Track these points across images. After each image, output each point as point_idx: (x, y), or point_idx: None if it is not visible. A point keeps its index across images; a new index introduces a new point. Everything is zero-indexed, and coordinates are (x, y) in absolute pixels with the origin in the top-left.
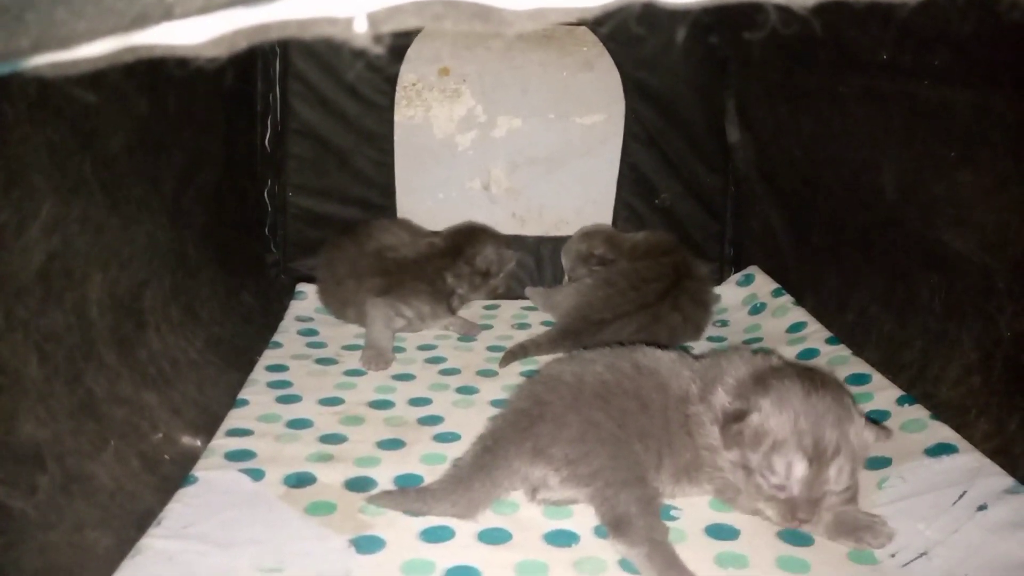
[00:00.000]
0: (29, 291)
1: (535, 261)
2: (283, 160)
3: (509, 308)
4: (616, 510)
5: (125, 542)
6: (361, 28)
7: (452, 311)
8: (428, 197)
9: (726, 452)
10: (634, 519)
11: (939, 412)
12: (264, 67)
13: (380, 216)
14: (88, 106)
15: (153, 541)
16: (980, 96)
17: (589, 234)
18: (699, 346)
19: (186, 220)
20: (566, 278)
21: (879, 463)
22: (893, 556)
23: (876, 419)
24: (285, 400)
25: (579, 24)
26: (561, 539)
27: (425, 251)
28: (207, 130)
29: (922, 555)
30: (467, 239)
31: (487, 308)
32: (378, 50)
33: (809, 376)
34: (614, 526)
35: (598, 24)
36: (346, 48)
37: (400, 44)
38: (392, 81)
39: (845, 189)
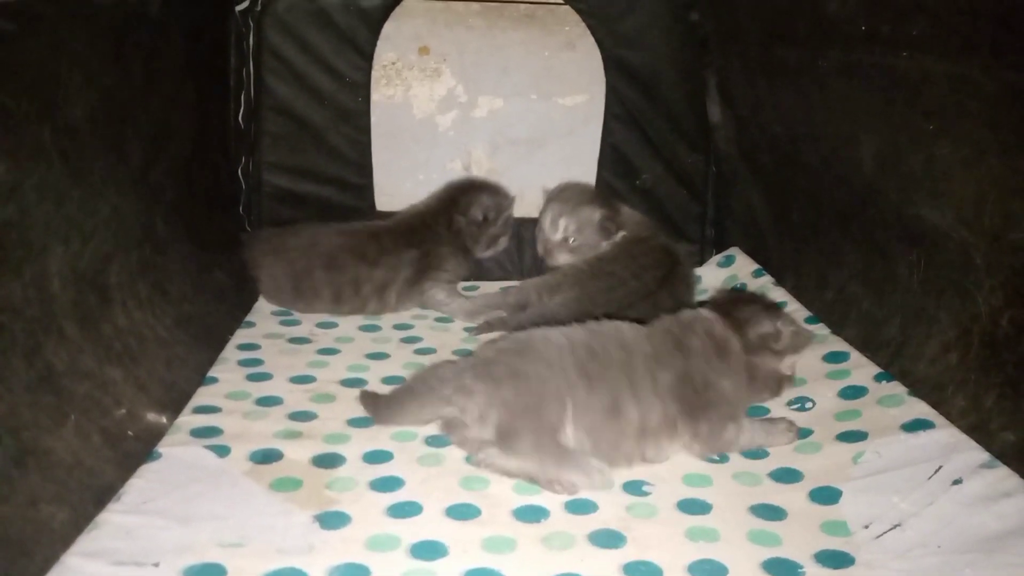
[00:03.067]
0: None
1: (516, 244)
2: (257, 137)
3: (489, 289)
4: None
5: (82, 517)
6: None
7: (470, 265)
8: (407, 178)
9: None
10: (523, 433)
11: (917, 389)
12: (237, 41)
13: (357, 196)
14: (47, 73)
15: (111, 516)
16: (958, 66)
17: (599, 199)
18: None
19: (155, 195)
20: (559, 238)
21: (855, 437)
22: (867, 528)
23: (853, 395)
24: (255, 378)
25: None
26: (530, 515)
27: (427, 214)
28: (177, 104)
29: (896, 527)
30: (460, 191)
31: (466, 289)
32: None
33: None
34: (503, 435)
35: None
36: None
37: (376, 17)
38: (368, 57)
39: (824, 165)
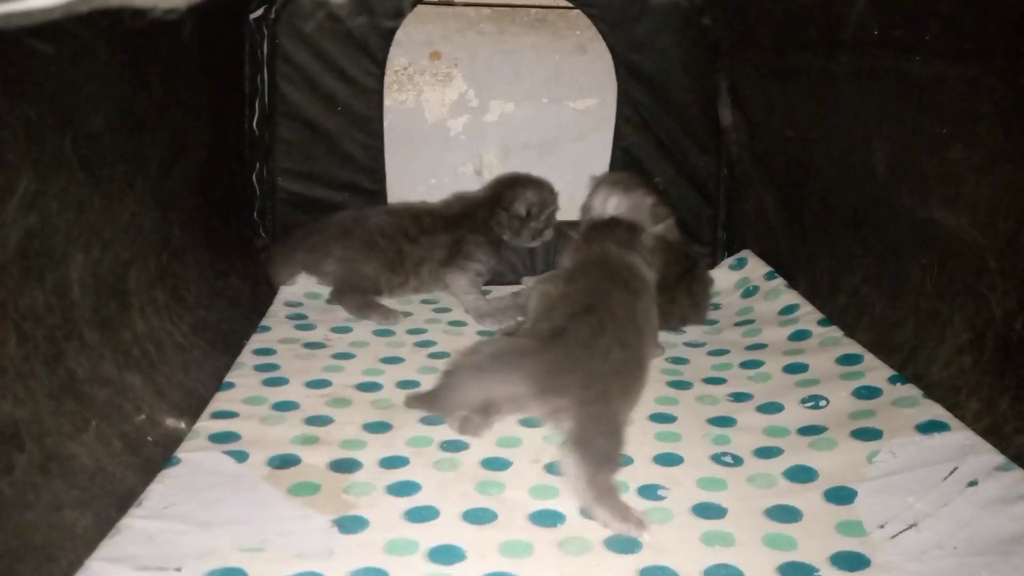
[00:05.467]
0: (7, 269)
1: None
2: (271, 143)
3: (500, 294)
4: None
5: (105, 522)
6: None
7: (501, 259)
8: (419, 182)
9: None
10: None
11: (931, 392)
12: (251, 48)
13: (371, 200)
14: (68, 84)
15: (133, 521)
16: (971, 70)
17: (650, 188)
18: (693, 329)
19: (172, 202)
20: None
21: (870, 435)
22: (882, 527)
23: (867, 395)
24: (272, 383)
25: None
26: (546, 519)
27: (470, 203)
28: (193, 112)
29: (911, 527)
30: (506, 186)
31: None
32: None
33: None
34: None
35: (587, 3)
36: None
37: (389, 26)
38: (381, 64)
39: (837, 169)
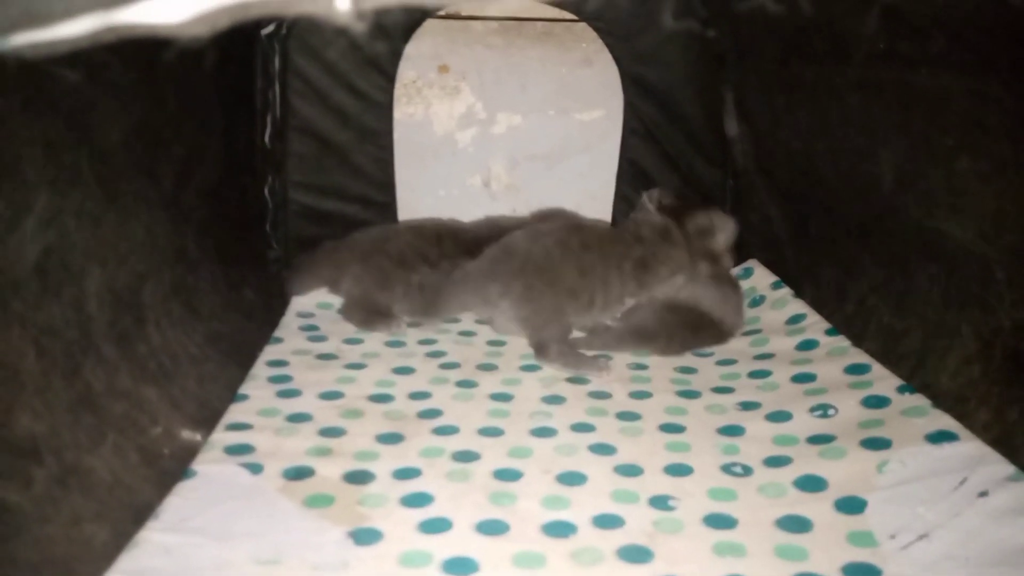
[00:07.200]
0: (26, 285)
1: None
2: (283, 157)
3: None
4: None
5: (122, 535)
6: (343, 6)
7: None
8: (428, 194)
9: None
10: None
11: (939, 402)
12: (263, 64)
13: (381, 213)
14: (84, 101)
15: (150, 534)
16: (977, 82)
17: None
18: None
19: (186, 216)
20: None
21: (879, 445)
22: (893, 538)
23: (876, 405)
24: (285, 394)
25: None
26: (559, 530)
27: (499, 229)
28: (206, 126)
29: (922, 537)
30: (541, 220)
31: None
32: (360, 27)
33: None
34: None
35: (594, 17)
36: (333, 32)
37: (398, 38)
38: (391, 77)
39: (842, 180)
